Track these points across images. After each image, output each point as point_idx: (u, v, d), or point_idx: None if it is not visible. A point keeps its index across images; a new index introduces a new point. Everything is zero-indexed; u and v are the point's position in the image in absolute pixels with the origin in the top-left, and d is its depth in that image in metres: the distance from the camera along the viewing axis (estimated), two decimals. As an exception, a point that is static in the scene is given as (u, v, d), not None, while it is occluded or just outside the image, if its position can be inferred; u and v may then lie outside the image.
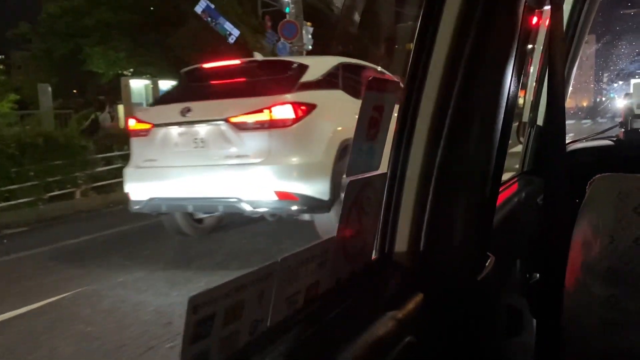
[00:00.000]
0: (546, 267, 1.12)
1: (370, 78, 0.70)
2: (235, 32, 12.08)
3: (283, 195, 4.26)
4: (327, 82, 4.83)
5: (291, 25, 11.79)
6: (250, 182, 4.29)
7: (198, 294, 0.49)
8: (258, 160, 4.27)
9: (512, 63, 0.94)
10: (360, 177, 0.79)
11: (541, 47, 2.13)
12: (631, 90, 2.03)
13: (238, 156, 4.33)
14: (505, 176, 1.84)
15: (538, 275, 1.35)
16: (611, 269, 0.80)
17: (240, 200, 4.31)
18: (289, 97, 4.35)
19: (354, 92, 4.99)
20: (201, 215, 5.36)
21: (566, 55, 2.01)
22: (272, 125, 4.26)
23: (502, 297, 1.17)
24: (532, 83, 2.29)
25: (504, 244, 1.27)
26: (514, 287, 1.43)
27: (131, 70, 16.05)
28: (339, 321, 0.69)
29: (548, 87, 1.76)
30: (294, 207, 4.34)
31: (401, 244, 0.90)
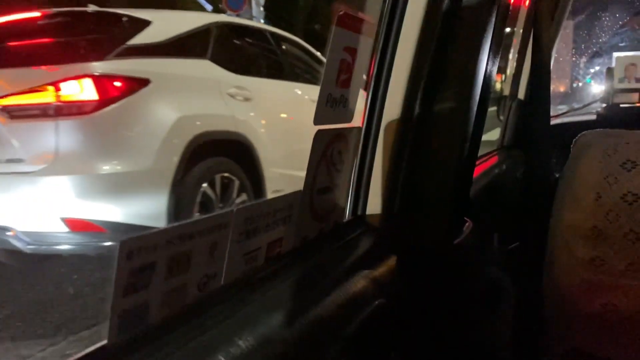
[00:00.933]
0: (526, 234, 1.08)
1: (341, 12, 0.62)
2: (209, 7, 11.49)
3: (78, 225, 2.61)
4: (183, 47, 3.14)
5: (237, -6, 10.64)
6: (25, 203, 2.61)
7: (132, 237, 0.42)
8: (37, 167, 2.57)
9: (491, 27, 0.88)
10: (330, 127, 0.72)
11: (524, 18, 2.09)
12: (613, 64, 2.00)
13: (8, 161, 2.62)
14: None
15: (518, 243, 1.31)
16: (596, 228, 0.76)
17: (15, 233, 2.63)
18: (95, 67, 2.67)
19: (233, 65, 3.37)
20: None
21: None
22: (60, 111, 2.58)
23: (481, 268, 1.13)
24: (514, 55, 2.24)
25: (483, 215, 1.23)
26: (492, 260, 1.39)
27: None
28: (305, 281, 0.63)
29: (533, 58, 1.71)
30: (102, 243, 2.66)
31: (375, 203, 0.84)
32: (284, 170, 3.50)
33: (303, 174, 0.68)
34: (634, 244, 0.74)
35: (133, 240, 0.42)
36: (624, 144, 0.77)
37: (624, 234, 0.74)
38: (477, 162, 1.53)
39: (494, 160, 1.80)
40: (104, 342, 0.42)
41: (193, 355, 0.45)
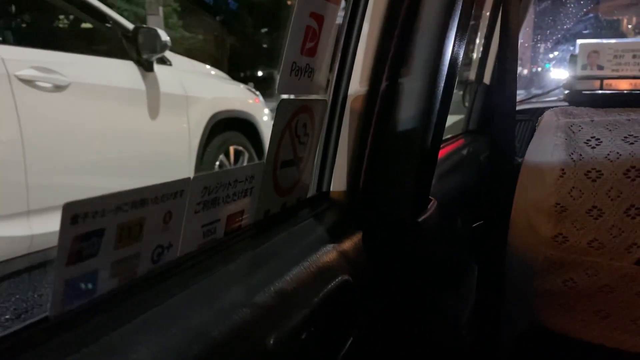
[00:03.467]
0: (490, 213, 1.08)
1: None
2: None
3: None
4: None
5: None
6: None
7: (78, 200, 0.39)
8: None
9: (459, 7, 0.87)
10: (294, 98, 0.70)
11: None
12: (577, 51, 2.01)
13: None
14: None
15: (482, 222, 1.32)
16: (559, 204, 0.76)
17: None
18: None
19: None
20: None
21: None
22: None
23: (444, 246, 1.13)
24: (480, 40, 2.25)
25: (447, 197, 1.23)
26: (456, 237, 1.40)
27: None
28: (267, 255, 0.61)
29: (500, 41, 1.71)
30: None
31: (340, 179, 0.83)
32: None
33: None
34: (596, 220, 0.75)
35: (78, 204, 0.39)
36: (589, 121, 0.78)
37: (587, 211, 0.75)
38: (442, 145, 1.52)
39: (458, 143, 1.81)
40: (46, 313, 0.39)
41: (145, 328, 0.42)
